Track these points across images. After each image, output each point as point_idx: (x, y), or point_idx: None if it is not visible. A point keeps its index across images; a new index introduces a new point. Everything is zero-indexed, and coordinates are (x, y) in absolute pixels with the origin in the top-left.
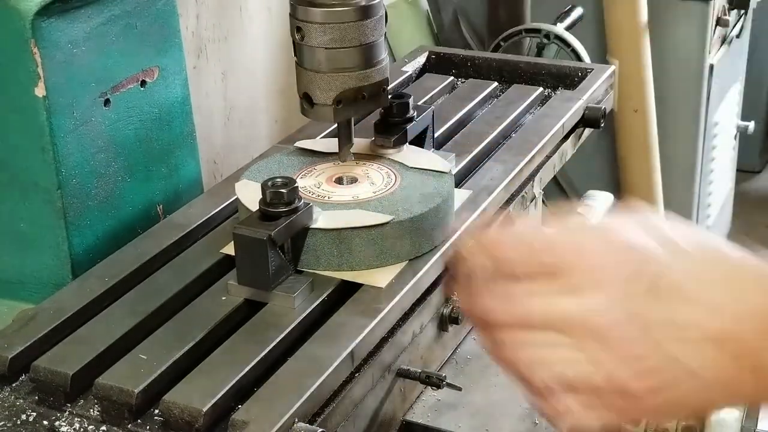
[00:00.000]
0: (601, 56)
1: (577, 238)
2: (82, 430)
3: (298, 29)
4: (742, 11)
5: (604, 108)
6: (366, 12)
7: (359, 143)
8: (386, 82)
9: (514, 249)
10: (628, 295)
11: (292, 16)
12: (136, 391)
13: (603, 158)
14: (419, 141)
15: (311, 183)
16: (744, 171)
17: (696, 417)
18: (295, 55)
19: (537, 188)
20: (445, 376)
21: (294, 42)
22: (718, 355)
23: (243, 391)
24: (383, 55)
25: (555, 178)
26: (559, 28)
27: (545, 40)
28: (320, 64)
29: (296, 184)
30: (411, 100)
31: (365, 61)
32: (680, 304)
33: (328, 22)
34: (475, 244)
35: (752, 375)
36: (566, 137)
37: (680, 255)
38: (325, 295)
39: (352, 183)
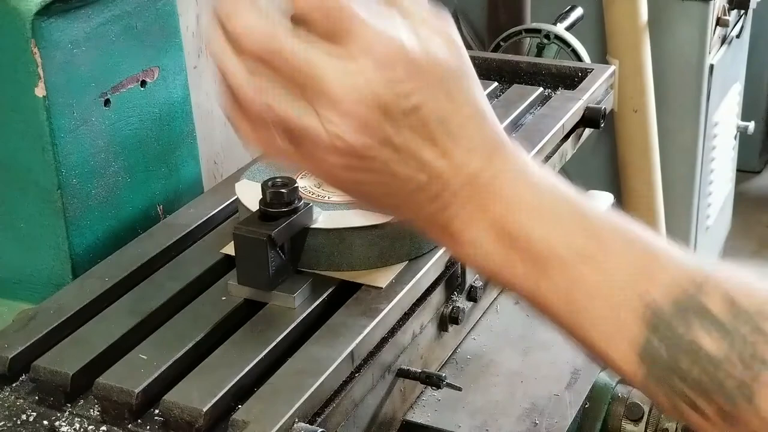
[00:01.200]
0: (601, 56)
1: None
2: (82, 430)
3: None
4: (742, 11)
5: (604, 108)
6: None
7: None
8: None
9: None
10: (391, 84)
11: None
12: (136, 391)
13: (603, 158)
14: None
15: (311, 183)
16: (744, 171)
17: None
18: None
19: None
20: (445, 376)
21: None
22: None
23: (243, 391)
24: None
25: None
26: (559, 28)
27: (545, 40)
28: None
29: (296, 184)
30: None
31: None
32: (429, 133)
33: None
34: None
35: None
36: (566, 137)
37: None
38: (325, 295)
39: None
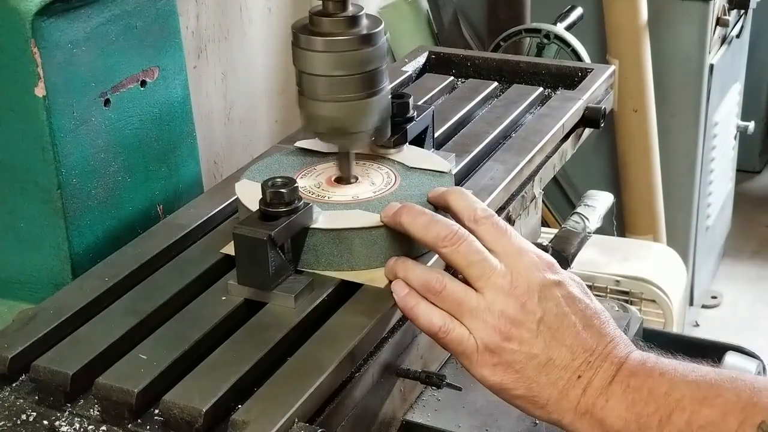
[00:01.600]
0: (601, 56)
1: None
2: (82, 430)
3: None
4: (742, 11)
5: (604, 108)
6: (369, 40)
7: None
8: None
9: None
10: (537, 277)
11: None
12: (136, 391)
13: (603, 158)
14: (419, 141)
15: (311, 183)
16: (744, 171)
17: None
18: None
19: (537, 188)
20: (445, 376)
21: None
22: (562, 375)
23: (243, 391)
24: (385, 83)
25: (555, 178)
26: (559, 28)
27: (545, 40)
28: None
29: (296, 184)
30: (411, 100)
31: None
32: (565, 313)
33: (332, 50)
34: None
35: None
36: (566, 137)
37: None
38: (325, 295)
39: (352, 183)
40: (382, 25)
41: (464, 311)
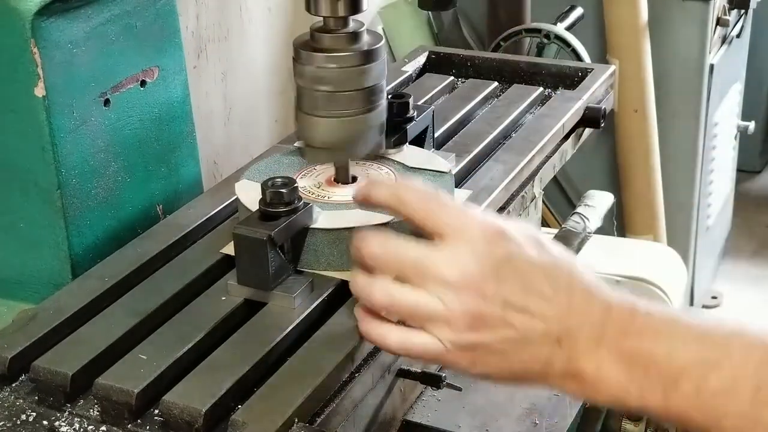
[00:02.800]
0: (601, 56)
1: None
2: (82, 430)
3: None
4: (742, 11)
5: (604, 108)
6: (368, 57)
7: None
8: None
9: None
10: (487, 254)
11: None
12: (136, 391)
13: (603, 158)
14: (419, 141)
15: (311, 183)
16: (744, 171)
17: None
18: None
19: (537, 188)
20: (445, 376)
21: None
22: (545, 335)
23: (243, 391)
24: (383, 98)
25: (555, 178)
26: (559, 28)
27: (545, 40)
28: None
29: (296, 184)
30: (411, 100)
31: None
32: (528, 282)
33: (329, 66)
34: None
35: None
36: (566, 137)
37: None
38: (325, 295)
39: (352, 183)
40: (383, 41)
41: (422, 319)
